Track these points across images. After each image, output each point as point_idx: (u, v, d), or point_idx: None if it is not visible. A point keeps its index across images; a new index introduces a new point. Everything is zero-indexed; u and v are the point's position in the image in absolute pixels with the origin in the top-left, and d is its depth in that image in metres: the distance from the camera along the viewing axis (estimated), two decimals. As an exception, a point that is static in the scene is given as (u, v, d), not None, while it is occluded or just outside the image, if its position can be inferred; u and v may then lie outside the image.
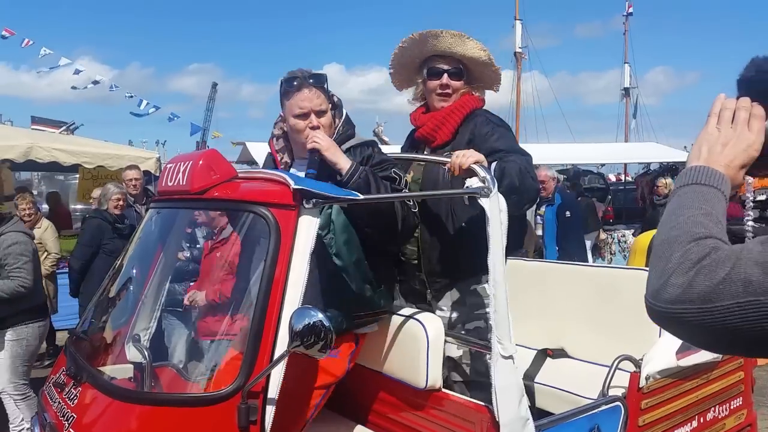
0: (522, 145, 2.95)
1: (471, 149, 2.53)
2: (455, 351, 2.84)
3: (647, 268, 1.04)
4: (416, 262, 2.88)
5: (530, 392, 3.10)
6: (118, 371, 2.26)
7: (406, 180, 2.54)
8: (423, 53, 2.93)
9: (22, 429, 4.49)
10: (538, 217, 7.49)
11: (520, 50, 38.57)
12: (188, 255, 2.92)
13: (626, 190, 17.78)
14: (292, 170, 2.53)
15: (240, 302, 2.21)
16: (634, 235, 11.12)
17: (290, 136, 2.56)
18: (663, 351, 2.76)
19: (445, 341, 2.61)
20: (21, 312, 4.32)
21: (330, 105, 2.54)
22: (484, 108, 2.98)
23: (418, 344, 2.49)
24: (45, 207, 12.54)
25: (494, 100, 3.16)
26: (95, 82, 21.86)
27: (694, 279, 0.92)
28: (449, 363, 2.81)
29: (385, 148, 2.96)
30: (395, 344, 2.60)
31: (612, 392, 2.68)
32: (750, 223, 2.43)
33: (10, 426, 4.49)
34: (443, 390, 2.51)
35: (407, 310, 2.67)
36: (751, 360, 3.33)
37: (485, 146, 2.72)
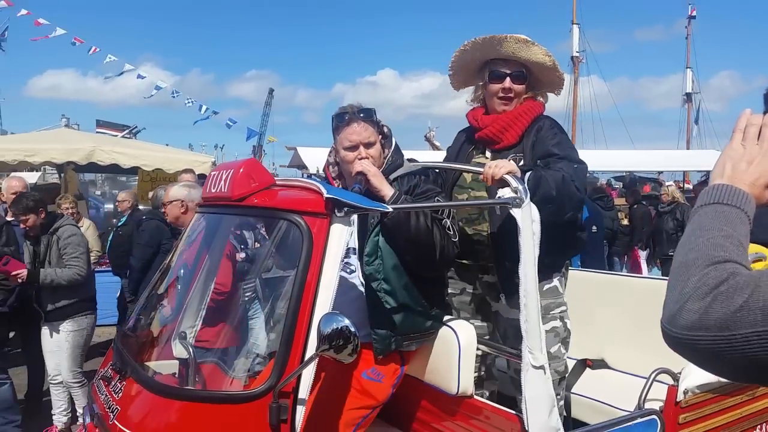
0: (578, 151, 2.92)
1: (505, 160, 2.55)
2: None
3: None
4: (481, 263, 2.88)
5: (566, 402, 3.08)
6: (161, 367, 2.38)
7: (450, 212, 2.55)
8: (485, 56, 2.91)
9: (67, 415, 4.74)
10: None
11: (577, 54, 37.99)
12: (243, 256, 3.04)
13: (686, 198, 17.19)
14: None
15: (273, 306, 2.30)
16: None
17: (341, 167, 2.67)
18: (703, 365, 2.69)
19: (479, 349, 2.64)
20: (79, 302, 4.64)
21: (380, 136, 2.63)
22: (547, 115, 2.96)
23: (450, 351, 2.52)
24: (109, 207, 13.10)
25: (550, 104, 3.10)
26: (158, 88, 22.66)
27: (711, 305, 0.88)
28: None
29: (435, 154, 3.00)
30: (429, 351, 2.64)
31: (648, 405, 2.64)
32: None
33: (55, 413, 4.73)
34: (475, 397, 2.54)
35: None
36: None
37: (543, 148, 2.74)
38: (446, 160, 3.16)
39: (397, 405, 2.66)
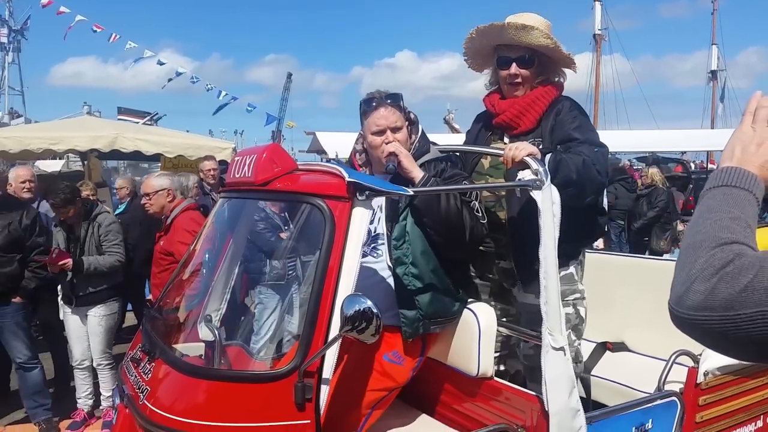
0: (600, 131, 2.91)
1: (525, 142, 2.55)
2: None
3: None
4: (497, 249, 2.90)
5: (587, 384, 3.10)
6: (188, 348, 2.44)
7: (477, 193, 2.58)
8: (492, 42, 2.91)
9: (91, 399, 4.87)
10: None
11: (599, 32, 37.40)
12: (267, 239, 3.09)
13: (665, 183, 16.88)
14: None
15: (297, 288, 2.35)
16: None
17: (369, 152, 2.70)
18: (725, 347, 2.70)
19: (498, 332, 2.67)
20: (110, 288, 4.76)
21: (406, 122, 2.65)
22: (567, 95, 2.95)
23: (470, 333, 2.55)
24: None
25: (571, 83, 3.08)
26: (178, 74, 22.78)
27: (716, 286, 0.89)
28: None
29: (454, 137, 3.01)
30: (450, 334, 2.67)
31: (668, 387, 2.66)
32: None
33: (80, 397, 4.86)
34: (495, 378, 2.57)
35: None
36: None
37: (562, 131, 2.74)
38: (465, 145, 3.17)
39: (417, 386, 2.70)
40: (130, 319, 6.82)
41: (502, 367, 3.03)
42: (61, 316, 5.24)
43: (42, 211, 5.52)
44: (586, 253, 3.60)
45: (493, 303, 2.89)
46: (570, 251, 2.78)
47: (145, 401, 2.15)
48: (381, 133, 2.58)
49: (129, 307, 6.50)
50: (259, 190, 2.36)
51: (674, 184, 14.49)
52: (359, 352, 2.43)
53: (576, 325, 2.87)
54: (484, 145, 2.95)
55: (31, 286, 4.79)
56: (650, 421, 2.55)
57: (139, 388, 2.25)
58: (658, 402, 2.58)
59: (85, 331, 4.71)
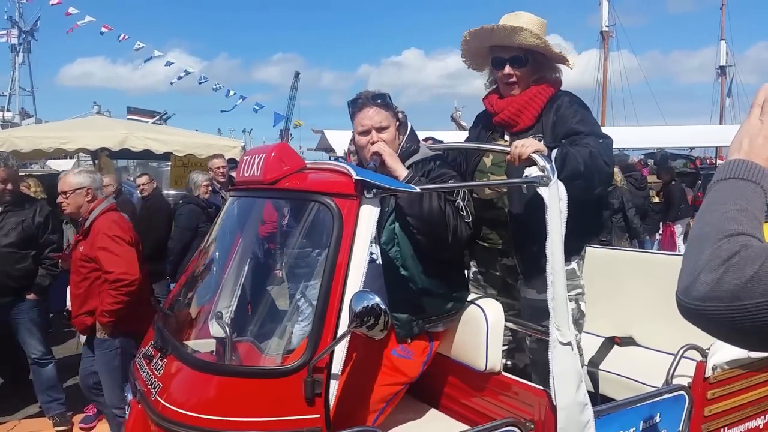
0: (608, 128, 2.93)
1: (531, 138, 2.57)
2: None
3: None
4: (500, 247, 2.93)
5: (594, 379, 3.12)
6: (199, 345, 2.48)
7: (464, 191, 2.60)
8: (486, 44, 2.94)
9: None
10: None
11: (606, 29, 37.23)
12: (277, 237, 3.11)
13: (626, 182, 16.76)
14: None
15: (306, 285, 2.38)
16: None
17: (358, 153, 2.72)
18: (732, 341, 2.71)
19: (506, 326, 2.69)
20: None
21: (396, 121, 2.66)
22: (566, 90, 2.98)
23: (478, 329, 2.57)
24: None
25: (579, 80, 3.12)
26: (187, 73, 22.88)
27: (723, 276, 0.90)
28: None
29: (462, 135, 3.03)
30: (458, 329, 2.69)
31: (677, 381, 2.67)
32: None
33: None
34: (503, 373, 2.59)
35: (470, 296, 2.75)
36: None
37: (565, 126, 2.75)
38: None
39: (426, 382, 2.73)
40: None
41: (509, 362, 3.05)
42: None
43: None
44: (595, 249, 3.61)
45: (498, 298, 2.91)
46: (573, 247, 2.80)
47: (158, 397, 2.19)
48: (366, 133, 2.61)
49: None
50: (268, 188, 2.39)
51: (683, 180, 14.45)
52: (368, 349, 2.46)
53: (577, 320, 2.88)
54: (490, 143, 2.97)
55: (46, 283, 4.87)
56: (658, 414, 2.56)
57: (151, 384, 2.29)
58: (667, 396, 2.59)
59: None
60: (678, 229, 11.24)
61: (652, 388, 2.70)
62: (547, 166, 2.35)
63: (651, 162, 19.58)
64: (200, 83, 22.90)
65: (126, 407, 2.69)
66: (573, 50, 3.30)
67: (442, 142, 3.02)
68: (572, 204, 2.38)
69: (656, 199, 11.66)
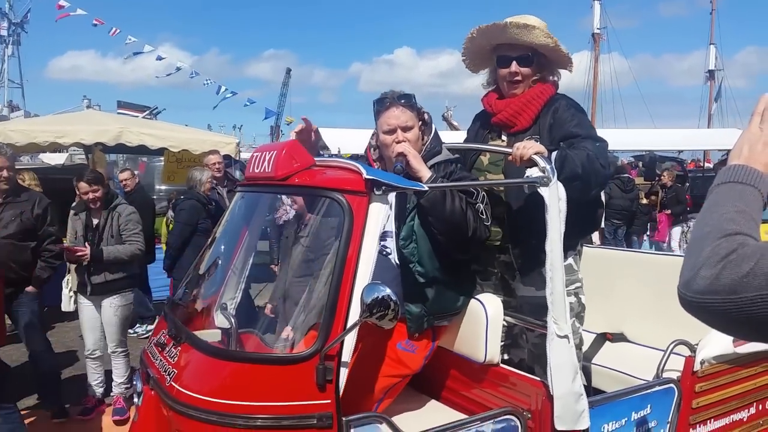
0: (598, 129, 3.03)
1: (532, 141, 2.67)
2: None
3: None
4: (498, 243, 3.01)
5: (587, 373, 3.24)
6: (212, 334, 2.56)
7: (483, 194, 2.67)
8: (492, 42, 3.02)
9: (102, 386, 4.99)
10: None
11: (598, 31, 37.44)
12: (288, 231, 3.20)
13: (705, 177, 17.11)
14: None
15: (318, 277, 2.47)
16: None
17: (381, 150, 2.80)
18: (719, 337, 2.83)
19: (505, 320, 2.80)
20: (127, 277, 4.90)
21: (420, 122, 2.74)
22: (562, 93, 3.07)
23: (478, 322, 2.68)
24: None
25: (570, 82, 3.22)
26: (177, 69, 22.77)
27: (721, 272, 0.97)
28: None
29: (454, 134, 3.13)
30: (459, 323, 2.80)
31: (667, 375, 2.79)
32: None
33: (92, 384, 4.98)
34: (501, 365, 2.70)
35: (469, 290, 2.85)
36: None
37: (563, 129, 2.84)
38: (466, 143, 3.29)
39: (427, 374, 2.83)
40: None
41: (505, 356, 3.16)
42: (69, 308, 5.34)
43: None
44: (588, 249, 3.74)
45: (495, 294, 3.01)
46: (570, 243, 2.91)
47: (173, 383, 2.27)
48: (392, 132, 2.68)
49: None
50: (280, 184, 2.47)
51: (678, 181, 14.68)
52: (374, 341, 2.56)
53: (578, 313, 3.00)
54: (492, 144, 3.07)
55: (45, 276, 4.91)
56: (649, 406, 2.68)
57: (165, 371, 2.37)
58: (657, 389, 2.71)
59: (99, 321, 4.82)
60: (676, 231, 11.52)
61: (643, 382, 2.82)
62: (548, 167, 2.45)
63: (640, 164, 19.81)
64: (191, 78, 22.79)
65: (135, 395, 2.77)
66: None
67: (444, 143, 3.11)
68: (570, 203, 2.49)
69: (645, 201, 11.88)
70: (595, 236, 9.67)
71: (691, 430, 2.79)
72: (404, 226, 2.61)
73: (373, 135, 2.88)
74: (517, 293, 3.03)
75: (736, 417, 2.95)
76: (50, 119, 11.16)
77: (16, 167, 5.91)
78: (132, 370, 5.02)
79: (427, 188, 2.31)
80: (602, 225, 9.78)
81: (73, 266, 5.04)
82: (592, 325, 3.69)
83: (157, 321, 2.91)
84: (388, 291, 1.97)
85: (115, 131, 8.83)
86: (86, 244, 4.73)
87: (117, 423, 4.79)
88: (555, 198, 2.41)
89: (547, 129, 2.91)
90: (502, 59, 3.00)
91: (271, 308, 2.95)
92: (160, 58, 21.61)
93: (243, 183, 2.88)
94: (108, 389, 5.07)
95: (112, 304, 4.78)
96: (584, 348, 3.42)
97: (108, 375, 5.04)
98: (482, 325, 2.66)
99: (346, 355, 2.10)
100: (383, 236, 2.66)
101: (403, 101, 2.70)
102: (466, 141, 3.31)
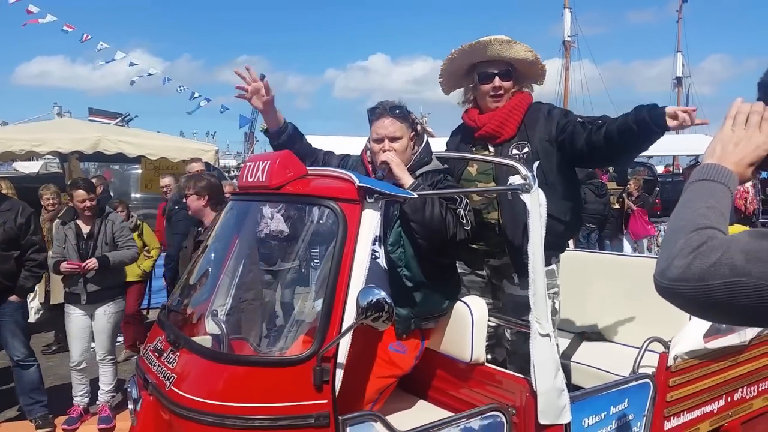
0: None
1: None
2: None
3: None
4: (488, 249, 3.15)
5: (567, 370, 3.37)
6: (205, 340, 2.64)
7: (466, 201, 2.79)
8: (473, 60, 3.17)
9: (87, 396, 5.01)
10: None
11: (569, 39, 38.08)
12: (284, 239, 3.28)
13: (674, 182, 17.56)
14: None
15: (314, 282, 2.57)
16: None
17: (372, 156, 2.93)
18: (691, 334, 2.99)
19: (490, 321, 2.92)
20: (119, 285, 5.00)
21: (412, 132, 2.87)
22: (538, 101, 3.24)
23: (464, 324, 2.79)
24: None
25: (541, 89, 3.37)
26: (150, 75, 22.54)
27: (692, 262, 1.07)
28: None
29: (432, 142, 3.26)
30: (446, 325, 2.91)
31: (642, 371, 2.94)
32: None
33: (77, 395, 4.99)
34: (486, 364, 2.82)
35: (455, 293, 2.97)
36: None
37: (566, 126, 3.00)
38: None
39: (415, 374, 2.93)
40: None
41: (489, 356, 3.28)
42: (33, 319, 5.35)
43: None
44: (566, 252, 3.90)
45: (482, 297, 3.14)
46: (556, 245, 3.07)
47: (172, 387, 2.34)
48: (379, 141, 2.82)
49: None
50: (274, 193, 2.57)
51: (644, 187, 15.03)
52: (366, 343, 2.66)
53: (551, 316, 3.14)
54: (474, 154, 3.21)
55: (28, 285, 4.91)
56: (626, 400, 2.83)
57: (164, 376, 2.44)
58: (633, 384, 2.86)
59: (89, 331, 4.84)
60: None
61: (620, 377, 2.96)
62: (529, 175, 2.58)
63: (611, 169, 20.20)
64: (164, 84, 22.57)
65: (130, 401, 2.83)
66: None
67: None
68: (560, 209, 2.60)
69: (616, 206, 12.16)
70: (570, 242, 9.94)
71: (666, 422, 2.95)
72: (392, 231, 2.72)
73: (368, 140, 3.00)
74: (504, 293, 3.17)
75: (707, 409, 3.11)
76: (26, 127, 11.06)
77: (-4, 176, 5.92)
78: (119, 380, 5.06)
79: (416, 195, 2.42)
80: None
81: (57, 277, 5.05)
82: (570, 324, 3.85)
83: (152, 328, 2.96)
84: (382, 294, 2.08)
85: (93, 139, 8.80)
86: (79, 253, 4.78)
87: (102, 432, 4.81)
88: (536, 204, 2.55)
89: (535, 133, 3.06)
90: (484, 75, 3.15)
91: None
92: (132, 65, 21.35)
93: (236, 191, 2.97)
94: (93, 399, 5.07)
95: (106, 312, 4.82)
96: (563, 348, 3.57)
97: (92, 384, 5.05)
98: (468, 326, 2.77)
99: (342, 356, 2.20)
100: (373, 241, 2.77)
101: (396, 112, 2.83)
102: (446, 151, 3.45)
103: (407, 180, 2.69)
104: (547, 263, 3.05)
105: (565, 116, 3.08)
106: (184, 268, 4.36)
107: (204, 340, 2.65)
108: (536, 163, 2.70)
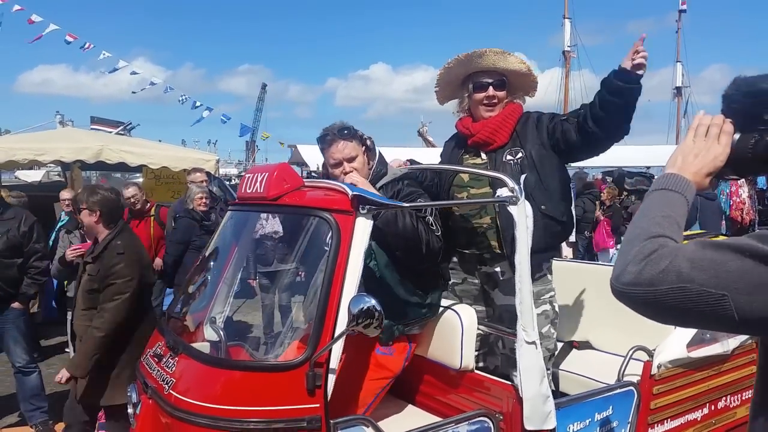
0: None
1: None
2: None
3: None
4: (480, 256, 3.25)
5: (555, 378, 3.46)
6: (205, 346, 2.73)
7: (432, 210, 2.91)
8: (467, 71, 3.30)
9: None
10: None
11: (568, 49, 38.32)
12: (279, 248, 3.38)
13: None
14: None
15: (308, 290, 2.66)
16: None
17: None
18: (675, 343, 3.08)
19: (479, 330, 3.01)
20: None
21: (363, 147, 2.99)
22: (528, 111, 3.37)
23: (454, 332, 2.89)
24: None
25: (541, 99, 3.53)
26: (152, 83, 22.71)
27: (644, 268, 1.15)
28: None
29: (429, 151, 3.38)
30: (435, 332, 3.00)
31: (627, 378, 3.02)
32: None
33: None
34: (475, 371, 2.91)
35: (446, 302, 3.07)
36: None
37: (555, 126, 3.15)
38: (441, 164, 3.54)
39: (405, 380, 3.02)
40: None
41: (481, 364, 3.37)
42: None
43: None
44: (556, 262, 3.99)
45: (474, 306, 3.24)
46: (549, 250, 3.18)
47: (171, 391, 2.44)
48: (338, 165, 2.94)
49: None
50: (271, 204, 2.67)
51: (639, 197, 15.13)
52: (355, 349, 2.75)
53: (553, 320, 3.25)
54: (470, 162, 3.33)
55: (30, 292, 5.00)
56: (611, 407, 2.91)
57: (163, 380, 2.53)
58: (618, 391, 2.94)
59: None
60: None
61: (605, 385, 3.05)
62: (516, 187, 2.68)
63: (609, 180, 20.30)
64: (165, 93, 22.71)
65: (130, 405, 2.91)
66: (537, 69, 3.74)
67: (420, 163, 3.34)
68: (544, 220, 2.70)
69: (598, 212, 12.22)
70: (569, 252, 9.94)
71: (650, 429, 3.03)
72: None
73: (323, 165, 3.11)
74: (496, 303, 3.26)
75: (690, 417, 3.19)
76: (28, 136, 11.16)
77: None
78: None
79: (408, 206, 2.52)
80: (574, 239, 10.10)
81: None
82: (560, 333, 3.93)
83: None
84: (373, 301, 2.17)
85: (95, 148, 8.91)
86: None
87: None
88: (523, 215, 2.64)
89: (528, 140, 3.19)
90: (479, 85, 3.27)
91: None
92: (134, 73, 21.51)
93: (235, 201, 3.07)
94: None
95: None
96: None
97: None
98: (458, 334, 2.86)
99: (334, 362, 2.29)
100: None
101: (345, 132, 2.95)
102: (441, 161, 3.56)
103: None
104: (540, 268, 3.17)
105: (551, 120, 3.21)
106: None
107: (202, 347, 2.75)
108: (523, 176, 2.80)
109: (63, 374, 3.67)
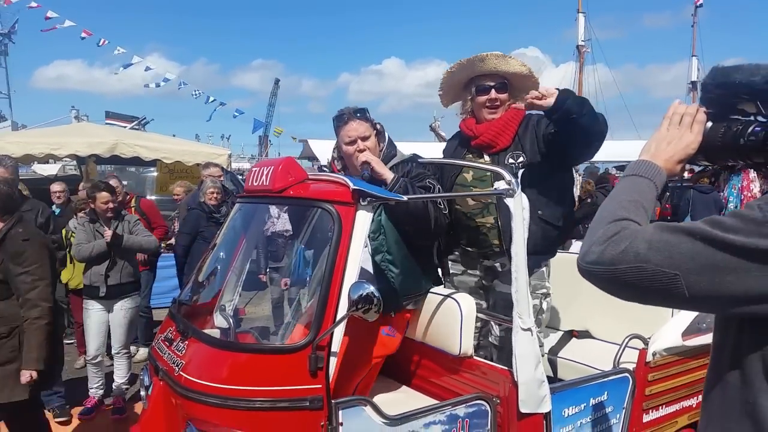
0: None
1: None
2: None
3: None
4: (482, 251, 3.36)
5: (554, 365, 3.56)
6: (213, 332, 2.86)
7: (438, 187, 3.07)
8: (470, 74, 3.40)
9: (102, 388, 5.26)
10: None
11: (582, 44, 38.09)
12: (285, 238, 3.51)
13: (684, 187, 17.52)
14: None
15: (311, 277, 2.78)
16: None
17: (345, 161, 3.19)
18: (670, 331, 3.16)
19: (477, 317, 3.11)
20: (136, 281, 5.27)
21: (374, 131, 3.13)
22: (529, 113, 3.44)
23: (454, 319, 2.98)
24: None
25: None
26: (166, 80, 22.97)
27: (606, 248, 1.23)
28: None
29: (442, 145, 3.51)
30: (435, 319, 3.10)
31: (623, 365, 3.11)
32: None
33: (93, 387, 5.23)
34: (474, 357, 3.01)
35: (445, 291, 3.17)
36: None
37: (542, 124, 3.25)
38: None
39: (405, 365, 3.13)
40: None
41: (480, 351, 3.47)
42: None
43: None
44: (558, 254, 4.09)
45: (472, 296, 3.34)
46: (546, 253, 3.33)
47: (181, 372, 2.56)
48: (352, 142, 3.07)
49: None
50: (276, 196, 2.79)
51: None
52: (364, 329, 2.87)
53: (537, 315, 3.33)
54: (466, 160, 3.41)
55: None
56: (606, 393, 3.00)
57: (174, 363, 2.66)
58: (613, 377, 3.04)
59: (106, 326, 5.11)
60: (576, 245, 11.69)
61: (601, 372, 3.14)
62: (513, 180, 2.78)
63: (620, 174, 20.23)
64: (179, 88, 22.96)
65: (142, 387, 3.05)
66: (551, 63, 3.82)
67: (421, 156, 3.45)
68: (555, 215, 2.86)
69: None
70: (577, 246, 9.97)
71: (644, 414, 3.12)
72: (373, 221, 2.94)
73: (334, 148, 3.24)
74: (495, 291, 3.37)
75: (685, 404, 3.28)
76: (45, 131, 11.40)
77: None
78: (132, 374, 5.30)
79: (406, 198, 2.62)
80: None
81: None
82: (561, 323, 4.03)
83: (163, 320, 3.20)
84: (371, 288, 2.28)
85: (110, 143, 9.10)
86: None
87: (117, 422, 5.05)
88: (519, 208, 2.74)
89: (529, 143, 3.28)
90: (481, 88, 3.37)
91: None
92: (148, 69, 21.76)
93: (242, 194, 3.19)
94: (108, 390, 5.32)
95: (123, 307, 5.09)
96: (552, 344, 3.76)
97: (107, 377, 5.30)
98: (457, 321, 2.96)
99: (335, 345, 2.41)
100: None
101: (358, 115, 3.10)
102: (444, 156, 3.66)
103: (389, 175, 2.93)
104: (538, 267, 3.27)
105: (547, 125, 3.28)
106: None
107: (212, 332, 2.88)
108: (521, 171, 2.90)
109: (27, 375, 3.49)
